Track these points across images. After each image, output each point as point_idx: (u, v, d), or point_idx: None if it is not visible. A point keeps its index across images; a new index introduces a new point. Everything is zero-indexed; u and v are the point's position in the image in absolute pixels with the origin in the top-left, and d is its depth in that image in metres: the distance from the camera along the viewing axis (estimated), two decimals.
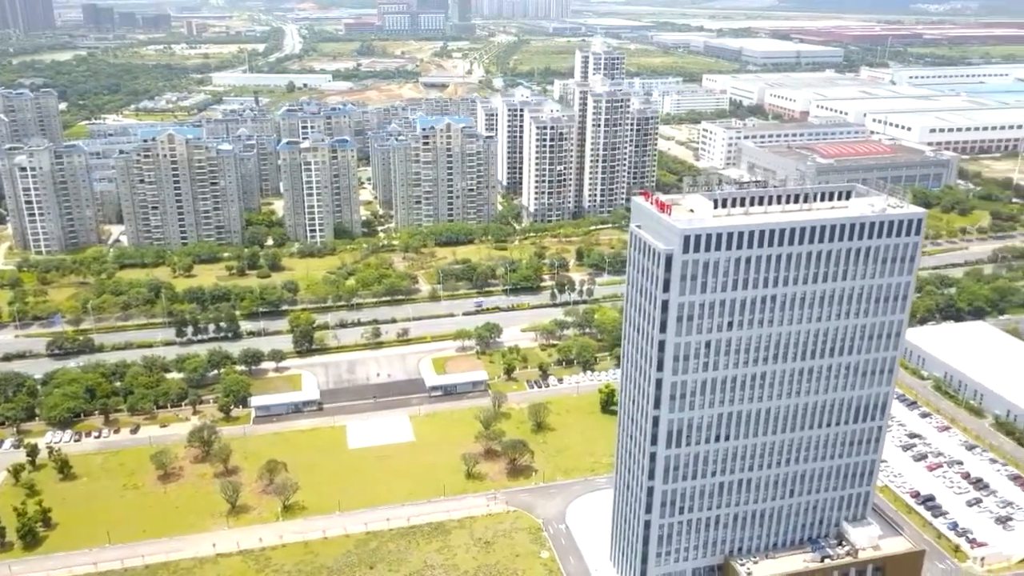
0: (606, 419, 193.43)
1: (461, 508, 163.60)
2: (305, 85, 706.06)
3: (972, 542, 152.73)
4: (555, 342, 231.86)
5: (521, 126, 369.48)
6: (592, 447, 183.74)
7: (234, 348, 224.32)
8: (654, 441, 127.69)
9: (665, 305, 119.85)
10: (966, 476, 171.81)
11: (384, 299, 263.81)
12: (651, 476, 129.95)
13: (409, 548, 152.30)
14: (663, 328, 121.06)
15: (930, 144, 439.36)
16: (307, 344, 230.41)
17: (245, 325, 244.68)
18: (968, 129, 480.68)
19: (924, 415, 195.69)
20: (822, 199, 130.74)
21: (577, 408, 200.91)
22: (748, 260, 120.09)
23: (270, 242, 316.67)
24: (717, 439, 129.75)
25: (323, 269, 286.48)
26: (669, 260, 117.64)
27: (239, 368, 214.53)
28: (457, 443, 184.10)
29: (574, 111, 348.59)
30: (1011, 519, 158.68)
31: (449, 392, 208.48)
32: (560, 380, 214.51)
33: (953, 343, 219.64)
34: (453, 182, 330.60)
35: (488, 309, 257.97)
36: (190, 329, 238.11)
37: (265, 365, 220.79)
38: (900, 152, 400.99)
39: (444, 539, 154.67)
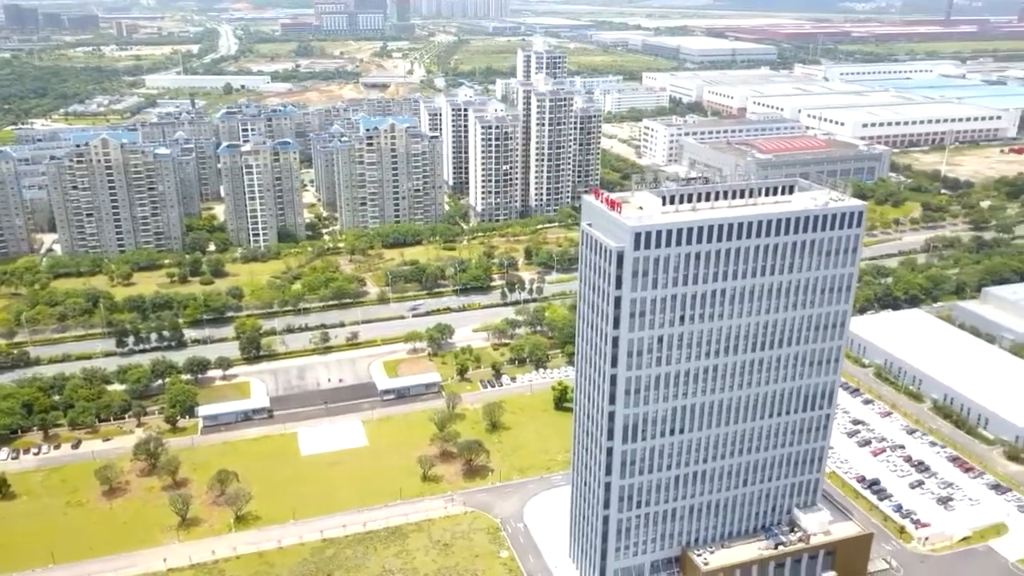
0: (560, 416, 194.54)
1: (418, 511, 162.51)
2: (243, 87, 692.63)
3: (916, 523, 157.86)
4: (507, 341, 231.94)
5: (466, 126, 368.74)
6: (547, 445, 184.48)
7: (178, 357, 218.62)
8: (610, 437, 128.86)
9: (618, 301, 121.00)
10: (908, 459, 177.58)
11: (332, 303, 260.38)
12: (608, 471, 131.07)
13: (367, 554, 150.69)
14: (616, 324, 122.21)
15: (863, 138, 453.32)
16: (254, 351, 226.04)
17: (189, 333, 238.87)
18: (897, 123, 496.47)
19: (867, 402, 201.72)
20: (766, 194, 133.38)
21: (531, 406, 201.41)
22: (698, 255, 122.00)
23: (212, 248, 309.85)
24: (672, 432, 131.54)
25: (268, 274, 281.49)
26: (621, 257, 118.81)
27: (184, 377, 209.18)
28: (412, 446, 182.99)
29: (518, 110, 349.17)
30: (951, 499, 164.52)
31: (402, 395, 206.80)
32: (513, 379, 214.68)
33: (892, 331, 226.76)
34: (399, 183, 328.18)
35: (440, 310, 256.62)
36: (131, 339, 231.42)
37: (211, 373, 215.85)
38: (835, 146, 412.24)
39: (402, 543, 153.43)
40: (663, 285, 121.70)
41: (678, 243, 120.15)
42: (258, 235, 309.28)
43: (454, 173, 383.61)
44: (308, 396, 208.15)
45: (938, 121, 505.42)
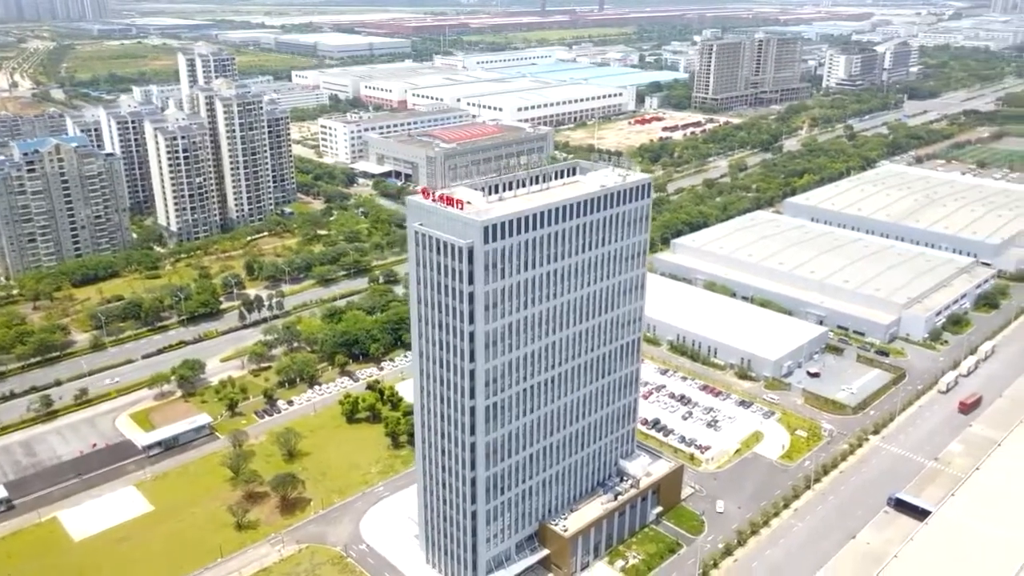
0: (356, 429, 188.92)
1: (249, 562, 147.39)
2: None
3: (700, 448, 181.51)
4: (267, 364, 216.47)
5: (136, 139, 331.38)
6: (355, 460, 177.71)
7: None
8: (473, 431, 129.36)
9: (471, 297, 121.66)
10: (672, 396, 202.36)
11: (35, 360, 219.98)
12: (473, 466, 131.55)
13: None
14: (472, 319, 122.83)
15: (521, 121, 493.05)
16: None
17: None
18: (545, 105, 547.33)
19: None
20: (556, 178, 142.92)
21: (321, 426, 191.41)
22: (534, 241, 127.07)
23: None
24: (525, 413, 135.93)
25: None
26: (471, 253, 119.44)
27: None
28: (208, 497, 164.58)
29: (201, 118, 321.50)
30: (716, 422, 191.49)
31: (170, 446, 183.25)
32: (290, 402, 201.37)
33: None
34: (75, 211, 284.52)
35: (173, 346, 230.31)
36: None
37: None
38: (507, 131, 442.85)
39: None
40: (509, 274, 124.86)
41: (518, 232, 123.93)
42: None
43: (130, 192, 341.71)
44: (52, 472, 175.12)
45: (577, 101, 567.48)
